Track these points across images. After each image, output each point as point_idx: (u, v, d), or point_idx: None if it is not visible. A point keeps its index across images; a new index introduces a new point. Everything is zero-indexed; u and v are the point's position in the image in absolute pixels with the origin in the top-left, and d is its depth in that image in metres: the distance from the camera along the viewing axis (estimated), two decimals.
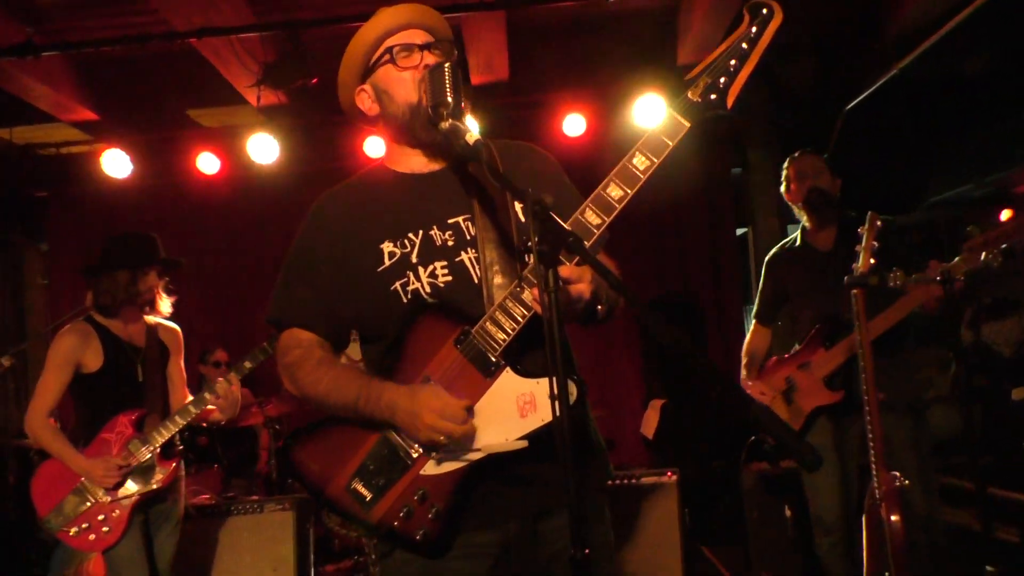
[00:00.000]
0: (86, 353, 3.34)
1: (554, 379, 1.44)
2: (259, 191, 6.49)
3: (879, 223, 2.55)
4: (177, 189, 6.81)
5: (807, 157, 3.59)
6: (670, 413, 5.73)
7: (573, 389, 1.71)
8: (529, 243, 1.46)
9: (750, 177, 6.80)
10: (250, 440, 5.61)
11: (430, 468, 1.77)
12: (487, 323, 1.74)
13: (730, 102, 1.66)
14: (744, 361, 3.77)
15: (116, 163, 6.08)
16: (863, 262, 2.50)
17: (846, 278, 2.48)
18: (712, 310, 6.70)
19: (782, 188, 3.67)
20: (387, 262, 1.86)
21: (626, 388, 6.69)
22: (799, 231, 3.64)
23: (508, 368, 1.75)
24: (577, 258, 1.68)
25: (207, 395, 3.38)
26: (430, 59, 1.85)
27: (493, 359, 1.74)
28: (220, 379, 3.39)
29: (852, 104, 5.84)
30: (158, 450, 3.32)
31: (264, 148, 5.85)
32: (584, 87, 5.98)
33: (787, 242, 3.72)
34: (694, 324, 6.52)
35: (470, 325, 1.76)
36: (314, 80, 4.61)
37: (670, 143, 1.69)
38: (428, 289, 1.83)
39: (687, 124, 1.69)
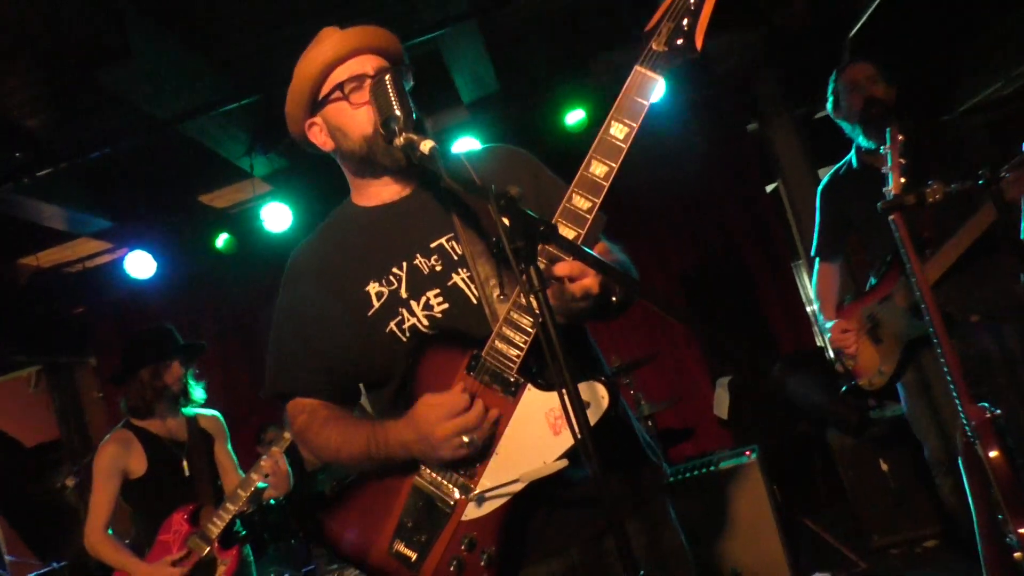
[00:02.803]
0: (129, 460, 3.31)
1: (563, 389, 1.29)
2: (284, 259, 6.43)
3: (901, 137, 2.33)
4: (204, 275, 6.83)
5: (858, 65, 3.10)
6: (739, 388, 5.48)
7: (602, 391, 1.55)
8: (502, 245, 1.30)
9: (768, 129, 6.56)
10: None
11: (471, 511, 1.62)
12: (496, 341, 1.58)
13: (699, 43, 1.49)
14: (818, 305, 3.37)
15: (140, 264, 6.10)
16: (894, 183, 2.27)
17: (879, 204, 2.26)
18: (762, 272, 6.43)
19: (829, 106, 3.17)
20: (376, 304, 1.72)
21: (690, 374, 6.44)
22: (852, 152, 3.20)
23: (529, 384, 1.59)
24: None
25: (253, 475, 3.29)
26: None
27: (511, 378, 1.58)
28: (264, 458, 3.29)
29: (855, 29, 5.58)
30: (216, 542, 3.24)
31: (278, 216, 5.79)
32: (577, 77, 5.80)
33: (840, 167, 3.26)
34: (745, 288, 6.28)
35: (479, 348, 1.60)
36: None
37: (645, 103, 1.52)
38: (426, 322, 1.69)
39: (658, 77, 1.52)
